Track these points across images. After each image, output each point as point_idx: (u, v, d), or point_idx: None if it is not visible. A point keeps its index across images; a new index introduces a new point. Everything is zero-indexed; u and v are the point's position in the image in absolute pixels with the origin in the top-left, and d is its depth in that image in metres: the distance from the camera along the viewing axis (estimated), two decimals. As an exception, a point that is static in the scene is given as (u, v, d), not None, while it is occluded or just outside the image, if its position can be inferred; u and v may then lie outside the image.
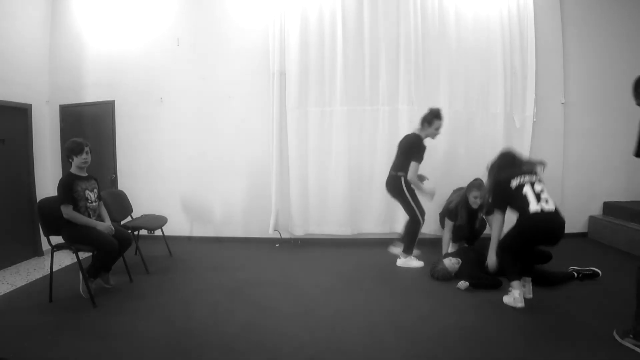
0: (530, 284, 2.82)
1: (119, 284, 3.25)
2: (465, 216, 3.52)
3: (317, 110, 4.40)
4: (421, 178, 3.64)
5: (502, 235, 2.81)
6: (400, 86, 4.33)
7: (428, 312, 2.67)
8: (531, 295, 2.77)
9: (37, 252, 4.32)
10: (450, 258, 3.33)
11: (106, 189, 3.85)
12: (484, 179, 3.48)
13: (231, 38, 4.60)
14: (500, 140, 4.39)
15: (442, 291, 3.03)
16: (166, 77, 4.71)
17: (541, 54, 4.41)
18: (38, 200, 3.12)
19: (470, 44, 4.37)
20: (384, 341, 2.28)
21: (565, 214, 4.57)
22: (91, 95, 4.80)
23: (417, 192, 3.61)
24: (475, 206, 3.46)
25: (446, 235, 3.70)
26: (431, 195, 3.53)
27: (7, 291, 3.22)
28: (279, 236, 4.62)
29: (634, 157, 2.14)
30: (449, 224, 3.67)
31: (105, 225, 2.98)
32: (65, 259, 4.04)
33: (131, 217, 3.98)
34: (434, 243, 3.99)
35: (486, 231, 3.55)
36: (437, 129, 3.52)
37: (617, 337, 2.18)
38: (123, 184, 4.72)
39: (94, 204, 3.02)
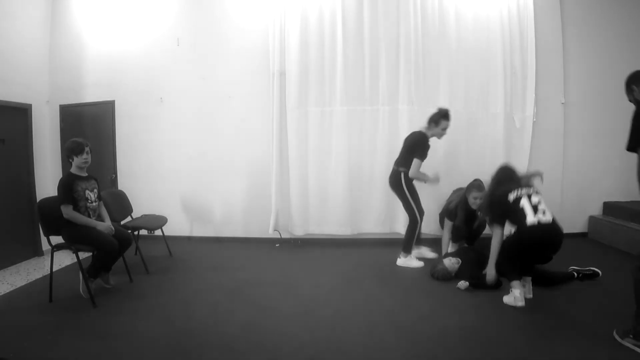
0: (530, 283, 2.82)
1: (119, 284, 3.25)
2: (462, 217, 3.52)
3: (317, 110, 4.40)
4: (434, 180, 3.70)
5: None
6: (400, 86, 4.33)
7: (428, 312, 2.67)
8: (531, 295, 2.77)
9: (37, 252, 4.32)
10: (450, 258, 3.33)
11: (106, 189, 3.85)
12: (484, 180, 3.52)
13: (231, 38, 4.60)
14: (500, 140, 4.40)
15: (442, 291, 3.03)
16: (166, 77, 4.71)
17: (541, 54, 4.41)
18: (38, 200, 3.12)
19: (470, 44, 4.37)
20: (384, 341, 2.28)
21: (565, 214, 4.62)
22: (91, 95, 4.80)
23: (418, 190, 3.65)
24: (474, 207, 3.46)
25: (446, 235, 3.70)
26: (437, 180, 3.57)
27: (7, 291, 3.22)
28: (279, 236, 4.62)
29: (635, 157, 2.14)
30: (448, 224, 3.67)
31: (105, 225, 2.98)
32: (65, 259, 4.04)
33: (131, 217, 3.98)
34: (434, 243, 3.99)
35: (486, 231, 3.55)
36: (444, 129, 3.52)
37: (617, 337, 2.18)
38: (123, 184, 4.72)
39: (94, 204, 3.02)
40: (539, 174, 2.91)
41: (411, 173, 3.50)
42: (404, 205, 3.66)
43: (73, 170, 3.00)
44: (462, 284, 3.03)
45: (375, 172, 4.39)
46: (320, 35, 4.34)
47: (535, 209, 2.62)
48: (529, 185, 2.81)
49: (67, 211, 2.85)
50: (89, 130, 4.78)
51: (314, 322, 2.54)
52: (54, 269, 3.02)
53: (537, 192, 2.74)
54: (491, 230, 2.87)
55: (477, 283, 3.00)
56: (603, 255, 3.92)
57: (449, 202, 3.80)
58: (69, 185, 2.88)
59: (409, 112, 4.31)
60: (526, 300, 2.71)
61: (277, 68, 4.37)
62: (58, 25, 4.79)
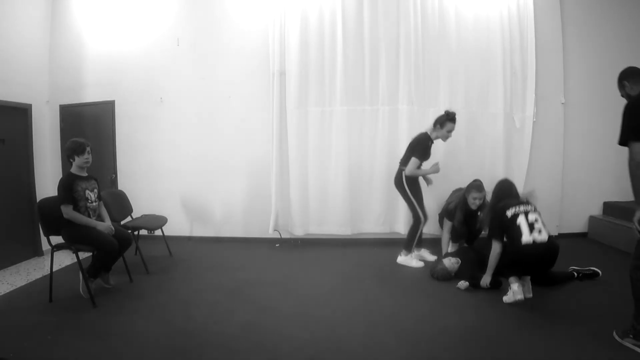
0: (530, 283, 2.82)
1: (119, 284, 3.25)
2: (461, 217, 3.52)
3: (317, 110, 4.40)
4: (427, 180, 3.75)
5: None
6: (400, 86, 4.33)
7: (428, 312, 2.67)
8: (531, 295, 2.77)
9: (37, 252, 4.32)
10: (450, 258, 3.33)
11: (106, 189, 3.85)
12: (484, 180, 3.53)
13: (231, 38, 4.60)
14: (500, 140, 4.40)
15: (442, 291, 3.03)
16: (166, 77, 4.71)
17: (541, 54, 4.41)
18: (38, 200, 3.12)
19: (470, 43, 4.37)
20: (383, 341, 2.28)
21: (565, 214, 4.61)
22: (91, 95, 4.80)
23: (422, 191, 3.67)
24: (474, 207, 3.46)
25: (445, 235, 3.70)
26: (436, 170, 3.59)
27: (7, 291, 3.22)
28: (279, 236, 4.62)
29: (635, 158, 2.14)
30: (447, 224, 3.67)
31: (105, 225, 2.98)
32: (65, 259, 4.04)
33: (131, 217, 3.98)
34: (434, 243, 3.99)
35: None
36: (449, 131, 3.52)
37: (617, 337, 2.18)
38: (123, 184, 4.72)
39: (94, 204, 3.02)
40: (534, 194, 2.97)
41: (407, 171, 3.55)
42: (407, 204, 3.70)
43: (73, 170, 3.00)
44: (462, 284, 3.03)
45: (375, 172, 4.39)
46: (320, 35, 4.34)
47: (531, 227, 2.66)
48: (528, 202, 2.85)
49: (67, 211, 2.85)
50: (89, 130, 4.78)
51: (314, 322, 2.54)
52: (54, 269, 3.02)
53: (535, 210, 2.78)
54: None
55: (477, 283, 3.00)
56: (603, 255, 3.92)
57: (448, 202, 3.80)
58: (69, 185, 2.88)
59: (409, 112, 4.31)
60: (526, 299, 2.71)
61: (277, 68, 4.37)
62: (58, 25, 4.79)
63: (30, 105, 4.39)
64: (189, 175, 4.75)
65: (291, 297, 2.98)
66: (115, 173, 4.83)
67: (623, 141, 2.06)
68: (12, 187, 4.13)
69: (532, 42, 4.38)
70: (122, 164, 4.83)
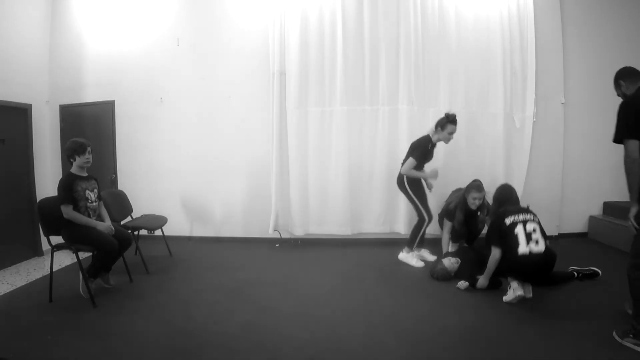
0: (530, 284, 2.82)
1: (119, 284, 3.25)
2: (461, 217, 3.53)
3: (317, 110, 4.40)
4: (429, 185, 3.76)
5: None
6: (400, 86, 4.33)
7: (428, 312, 2.67)
8: (531, 295, 2.77)
9: (37, 252, 4.32)
10: (450, 258, 3.33)
11: (106, 189, 3.85)
12: (484, 180, 3.54)
13: (231, 38, 4.60)
14: (500, 140, 4.40)
15: (442, 291, 3.03)
16: (166, 77, 4.71)
17: (541, 54, 4.41)
18: (38, 200, 3.12)
19: (470, 44, 4.37)
20: (383, 341, 2.28)
21: (565, 214, 4.61)
22: (91, 95, 4.80)
23: (425, 191, 3.69)
24: (473, 207, 3.46)
25: (445, 236, 3.70)
26: (434, 176, 3.59)
27: (7, 291, 3.22)
28: (279, 236, 4.62)
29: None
30: (447, 224, 3.68)
31: (105, 225, 2.98)
32: (65, 259, 4.04)
33: (131, 217, 3.98)
34: (434, 243, 3.99)
35: (485, 231, 3.55)
36: (451, 133, 3.52)
37: (617, 337, 2.18)
38: (123, 184, 4.72)
39: (94, 204, 3.02)
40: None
41: (402, 169, 3.60)
42: (411, 205, 3.73)
43: (73, 170, 3.00)
44: (462, 284, 3.03)
45: (375, 172, 4.39)
46: (320, 35, 4.34)
47: (529, 237, 2.68)
48: (528, 210, 2.87)
49: (67, 211, 2.85)
50: (89, 130, 4.78)
51: (314, 322, 2.54)
52: (54, 269, 3.02)
53: (533, 219, 2.78)
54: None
55: (476, 283, 3.00)
56: (603, 255, 3.92)
57: (448, 202, 3.80)
58: (69, 185, 2.88)
59: (409, 112, 4.31)
60: (526, 300, 2.72)
61: (277, 68, 4.37)
62: (58, 25, 4.79)
63: (30, 105, 4.39)
64: (189, 175, 4.75)
65: (291, 297, 2.98)
66: (115, 173, 4.82)
67: (618, 139, 2.12)
68: (12, 187, 4.13)
69: (532, 42, 4.38)
70: (122, 164, 4.83)
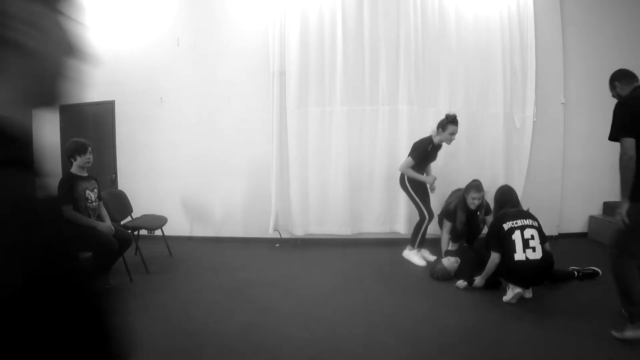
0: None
1: (119, 284, 3.25)
2: (464, 218, 3.53)
3: (317, 110, 4.40)
4: (431, 187, 3.76)
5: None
6: (400, 86, 4.33)
7: (428, 312, 2.67)
8: (531, 295, 2.78)
9: (37, 252, 4.31)
10: (449, 257, 3.34)
11: (106, 189, 3.85)
12: (483, 180, 3.54)
13: (231, 38, 4.60)
14: (500, 140, 4.40)
15: (442, 291, 3.03)
16: (166, 77, 4.71)
17: (541, 54, 4.40)
18: (38, 200, 3.12)
19: (470, 43, 4.37)
20: (383, 341, 2.28)
21: (565, 214, 4.60)
22: (91, 95, 4.79)
23: (428, 191, 3.72)
24: (473, 207, 3.47)
25: (444, 236, 3.71)
26: (431, 182, 3.65)
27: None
28: (279, 236, 4.62)
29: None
30: (447, 224, 3.68)
31: (105, 225, 2.98)
32: (65, 259, 4.03)
33: (131, 217, 3.98)
34: (434, 243, 3.99)
35: (485, 231, 3.55)
36: (452, 134, 3.54)
37: (616, 334, 2.20)
38: (123, 184, 4.72)
39: (94, 204, 3.02)
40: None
41: (400, 167, 3.67)
42: (412, 203, 3.77)
43: (73, 170, 3.00)
44: (461, 283, 3.03)
45: (375, 172, 4.39)
46: (320, 35, 4.34)
47: (526, 243, 2.69)
48: (528, 214, 2.88)
49: (67, 211, 2.85)
50: (89, 130, 4.77)
51: (314, 322, 2.54)
52: (54, 269, 3.02)
53: (532, 225, 2.79)
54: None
55: (474, 282, 3.01)
56: (603, 255, 3.89)
57: (448, 202, 3.81)
58: (68, 185, 2.88)
59: (409, 112, 4.31)
60: (526, 300, 2.72)
61: (277, 68, 4.37)
62: (58, 25, 4.78)
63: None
64: (189, 175, 4.74)
65: (291, 297, 2.98)
66: (115, 173, 4.82)
67: (613, 137, 2.23)
68: (12, 187, 4.13)
69: (532, 42, 4.38)
70: (122, 164, 4.82)
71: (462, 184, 3.75)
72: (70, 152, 2.97)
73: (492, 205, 3.33)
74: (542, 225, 2.89)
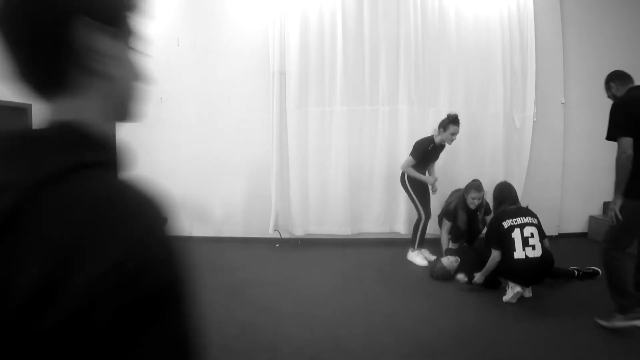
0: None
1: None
2: (465, 218, 3.53)
3: (317, 110, 4.40)
4: (433, 188, 3.77)
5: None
6: (400, 86, 4.33)
7: (428, 312, 2.67)
8: (530, 295, 2.78)
9: (37, 252, 4.32)
10: (449, 257, 3.34)
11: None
12: (483, 180, 3.55)
13: (231, 38, 4.60)
14: (500, 140, 4.40)
15: (442, 291, 3.03)
16: (166, 77, 4.70)
17: (541, 54, 4.41)
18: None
19: (470, 44, 4.37)
20: (383, 341, 2.28)
21: (565, 214, 4.60)
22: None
23: (428, 191, 3.74)
24: (473, 207, 3.47)
25: (444, 236, 3.71)
26: (431, 182, 3.66)
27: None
28: (279, 236, 4.62)
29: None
30: (446, 224, 3.69)
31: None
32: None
33: (131, 217, 3.97)
34: (434, 243, 3.99)
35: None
36: (453, 134, 3.54)
37: (603, 323, 2.28)
38: (123, 184, 4.71)
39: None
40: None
41: (401, 165, 3.70)
42: (411, 202, 3.79)
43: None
44: (462, 277, 3.04)
45: (375, 172, 4.39)
46: (320, 35, 4.34)
47: (526, 241, 2.69)
48: (527, 211, 2.88)
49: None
50: (89, 130, 4.77)
51: (314, 322, 2.54)
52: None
53: (532, 222, 2.79)
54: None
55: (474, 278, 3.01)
56: (603, 255, 3.92)
57: (448, 202, 3.81)
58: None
59: (409, 112, 4.31)
60: (526, 300, 2.73)
61: (277, 68, 4.37)
62: (58, 25, 4.78)
63: (30, 105, 4.38)
64: (189, 175, 4.74)
65: (291, 297, 2.98)
66: (115, 173, 4.82)
67: (611, 137, 2.30)
68: (12, 187, 4.13)
69: (532, 42, 4.38)
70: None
71: (462, 184, 3.76)
72: None
73: (491, 204, 3.33)
74: (541, 224, 2.89)
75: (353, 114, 4.38)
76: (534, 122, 4.42)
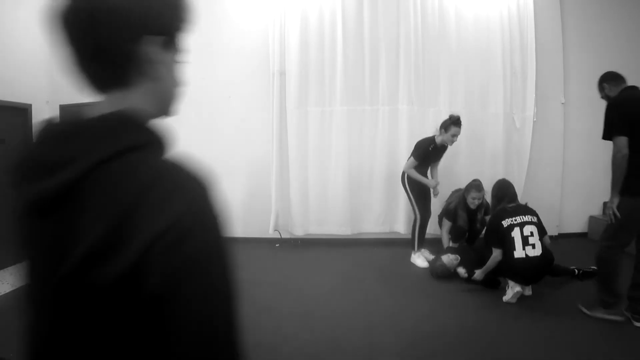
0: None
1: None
2: (465, 217, 3.54)
3: (317, 110, 4.40)
4: (434, 192, 3.77)
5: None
6: (400, 86, 4.33)
7: (428, 312, 2.67)
8: (530, 293, 2.78)
9: (37, 252, 4.32)
10: (449, 255, 3.34)
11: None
12: (484, 180, 3.55)
13: (231, 38, 4.60)
14: (500, 140, 4.40)
15: (442, 291, 3.03)
16: (166, 77, 4.70)
17: (541, 54, 4.40)
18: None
19: (470, 44, 4.37)
20: (383, 341, 2.28)
21: (565, 214, 4.60)
22: (91, 95, 4.79)
23: (429, 193, 3.73)
24: (473, 207, 3.47)
25: (444, 235, 3.72)
26: (433, 185, 3.65)
27: (8, 291, 3.22)
28: (279, 236, 4.62)
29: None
30: (446, 224, 3.69)
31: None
32: (65, 259, 4.03)
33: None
34: (434, 243, 3.99)
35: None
36: (454, 135, 3.53)
37: (586, 311, 2.39)
38: (123, 184, 4.71)
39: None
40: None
41: (404, 166, 3.69)
42: (409, 201, 3.80)
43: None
44: (462, 272, 3.07)
45: (375, 172, 4.39)
46: (320, 35, 4.34)
47: (525, 240, 2.69)
48: (526, 209, 2.88)
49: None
50: (89, 130, 4.77)
51: (314, 322, 2.54)
52: (54, 269, 3.02)
53: (531, 220, 2.79)
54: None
55: (476, 281, 3.01)
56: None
57: (448, 202, 3.82)
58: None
59: (409, 112, 4.31)
60: (526, 299, 2.73)
61: (277, 68, 4.37)
62: (58, 25, 4.78)
63: (30, 105, 4.38)
64: (189, 175, 4.74)
65: (291, 297, 2.98)
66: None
67: (606, 136, 2.35)
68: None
69: (532, 42, 4.38)
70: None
71: (462, 184, 3.76)
72: None
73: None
74: (541, 221, 2.88)
75: (353, 114, 4.38)
76: (534, 122, 4.42)
